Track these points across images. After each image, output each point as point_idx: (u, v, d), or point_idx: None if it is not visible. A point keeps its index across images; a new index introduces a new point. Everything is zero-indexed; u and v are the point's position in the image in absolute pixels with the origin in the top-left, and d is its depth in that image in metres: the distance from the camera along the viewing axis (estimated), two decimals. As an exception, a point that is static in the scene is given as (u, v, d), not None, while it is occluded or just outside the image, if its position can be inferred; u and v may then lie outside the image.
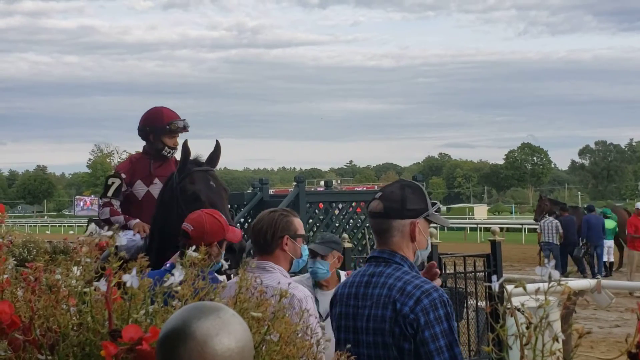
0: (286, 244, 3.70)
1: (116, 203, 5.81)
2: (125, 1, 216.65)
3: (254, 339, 2.00)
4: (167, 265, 4.17)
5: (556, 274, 1.44)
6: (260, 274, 3.49)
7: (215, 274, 3.97)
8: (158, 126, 5.87)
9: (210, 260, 3.87)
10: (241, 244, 4.27)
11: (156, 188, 5.86)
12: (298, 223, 3.80)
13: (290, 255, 3.72)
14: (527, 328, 1.38)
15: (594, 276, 18.51)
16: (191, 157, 5.10)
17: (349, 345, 2.56)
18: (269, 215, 3.77)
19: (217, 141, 5.20)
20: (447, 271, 9.60)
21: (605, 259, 21.56)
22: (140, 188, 5.87)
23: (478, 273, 9.76)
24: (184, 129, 5.94)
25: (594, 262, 21.11)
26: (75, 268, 2.35)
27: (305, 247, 3.85)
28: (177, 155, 6.02)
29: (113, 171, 6.09)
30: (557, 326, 1.49)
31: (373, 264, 2.99)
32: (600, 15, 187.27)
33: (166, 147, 5.92)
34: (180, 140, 5.94)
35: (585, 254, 21.16)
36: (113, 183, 5.84)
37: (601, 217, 21.86)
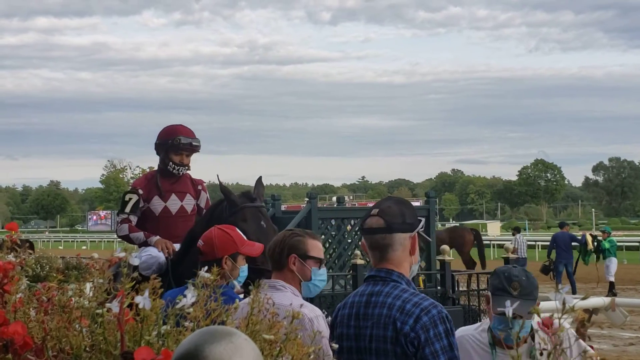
0: (294, 264, 3.59)
1: (134, 219, 5.78)
2: (138, 18, 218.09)
3: (266, 361, 1.99)
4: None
5: (570, 299, 1.43)
6: (271, 293, 3.48)
7: (233, 291, 3.94)
8: (166, 142, 5.86)
9: (225, 276, 3.88)
10: None
11: (173, 204, 5.86)
12: (312, 244, 3.66)
13: (298, 276, 3.60)
14: (541, 354, 1.37)
15: None
16: (244, 190, 5.20)
17: None
18: (282, 233, 3.72)
19: (260, 177, 5.31)
20: (460, 288, 9.57)
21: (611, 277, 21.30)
22: (157, 204, 5.84)
23: (491, 291, 9.72)
24: (191, 146, 5.86)
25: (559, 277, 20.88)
26: (88, 285, 2.35)
27: (322, 271, 3.72)
28: (191, 173, 6.05)
29: (130, 187, 6.07)
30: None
31: (371, 283, 3.01)
32: (611, 32, 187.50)
33: (171, 163, 5.85)
34: (190, 159, 5.93)
35: (549, 270, 20.92)
36: (130, 199, 5.81)
37: (568, 233, 21.81)
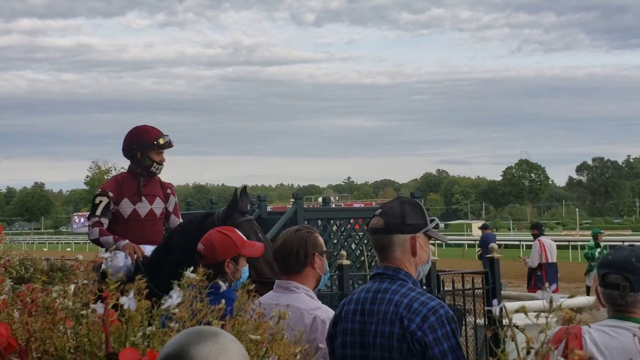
0: (316, 262, 3.65)
1: (105, 222, 5.76)
2: (122, 19, 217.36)
3: (252, 361, 1.98)
4: None
5: (557, 298, 1.43)
6: (286, 295, 3.51)
7: (235, 294, 3.92)
8: (145, 143, 5.86)
9: (228, 278, 3.89)
10: None
11: (143, 206, 5.88)
12: (321, 239, 3.76)
13: (318, 272, 3.66)
14: (528, 353, 1.37)
15: None
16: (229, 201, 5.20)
17: None
18: (297, 234, 3.71)
19: (244, 187, 5.36)
20: (445, 288, 9.58)
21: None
22: (126, 206, 5.85)
23: (476, 290, 9.75)
24: (170, 144, 5.95)
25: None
26: (72, 286, 2.33)
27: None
28: (169, 172, 6.07)
29: (99, 190, 6.05)
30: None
31: (377, 280, 3.01)
32: (593, 33, 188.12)
33: (154, 163, 5.89)
34: (174, 157, 5.98)
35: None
36: (101, 202, 5.80)
37: (493, 234, 21.92)
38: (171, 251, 5.11)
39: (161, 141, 5.87)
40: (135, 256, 5.39)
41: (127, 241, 5.57)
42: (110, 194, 5.83)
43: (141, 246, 5.54)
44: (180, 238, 5.14)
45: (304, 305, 3.50)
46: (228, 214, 5.15)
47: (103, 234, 5.70)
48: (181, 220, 6.10)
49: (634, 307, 2.80)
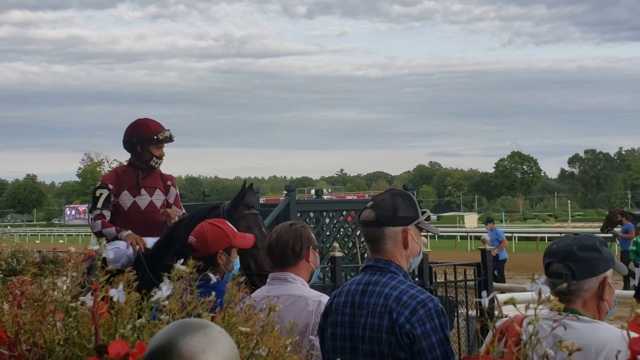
0: (310, 256, 3.72)
1: (107, 214, 5.80)
2: (113, 11, 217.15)
3: (242, 353, 1.98)
4: None
5: (546, 290, 1.43)
6: (283, 285, 3.58)
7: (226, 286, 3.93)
8: (145, 137, 5.88)
9: (220, 270, 3.90)
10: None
11: (142, 199, 5.89)
12: (313, 235, 3.83)
13: (312, 266, 3.73)
14: (517, 345, 1.37)
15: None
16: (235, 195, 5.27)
17: None
18: (292, 227, 3.77)
19: (251, 184, 5.44)
20: (438, 280, 9.61)
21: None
22: (126, 199, 5.87)
23: (468, 282, 9.78)
24: (170, 138, 5.98)
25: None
26: (62, 279, 2.32)
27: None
28: (163, 166, 6.07)
29: (100, 182, 6.05)
30: (549, 341, 1.48)
31: (369, 273, 3.01)
32: (584, 26, 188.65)
33: (154, 157, 5.92)
34: (165, 150, 5.98)
35: None
36: (102, 194, 5.82)
37: None
38: (174, 242, 5.11)
39: (161, 136, 5.89)
40: (138, 247, 5.41)
41: (129, 231, 5.61)
42: (111, 187, 5.86)
43: (143, 238, 5.56)
44: (184, 230, 5.14)
45: (307, 293, 3.58)
46: (234, 207, 5.20)
47: (105, 226, 5.73)
48: (184, 211, 6.10)
49: (576, 296, 2.80)
